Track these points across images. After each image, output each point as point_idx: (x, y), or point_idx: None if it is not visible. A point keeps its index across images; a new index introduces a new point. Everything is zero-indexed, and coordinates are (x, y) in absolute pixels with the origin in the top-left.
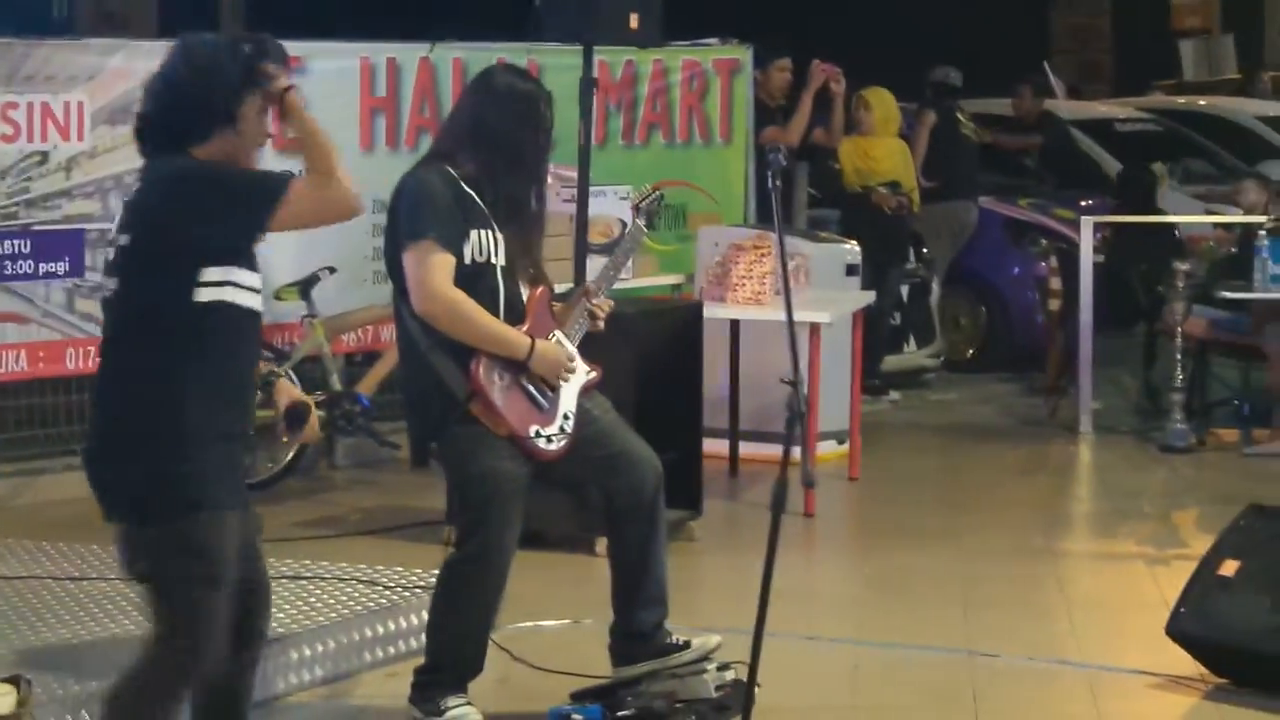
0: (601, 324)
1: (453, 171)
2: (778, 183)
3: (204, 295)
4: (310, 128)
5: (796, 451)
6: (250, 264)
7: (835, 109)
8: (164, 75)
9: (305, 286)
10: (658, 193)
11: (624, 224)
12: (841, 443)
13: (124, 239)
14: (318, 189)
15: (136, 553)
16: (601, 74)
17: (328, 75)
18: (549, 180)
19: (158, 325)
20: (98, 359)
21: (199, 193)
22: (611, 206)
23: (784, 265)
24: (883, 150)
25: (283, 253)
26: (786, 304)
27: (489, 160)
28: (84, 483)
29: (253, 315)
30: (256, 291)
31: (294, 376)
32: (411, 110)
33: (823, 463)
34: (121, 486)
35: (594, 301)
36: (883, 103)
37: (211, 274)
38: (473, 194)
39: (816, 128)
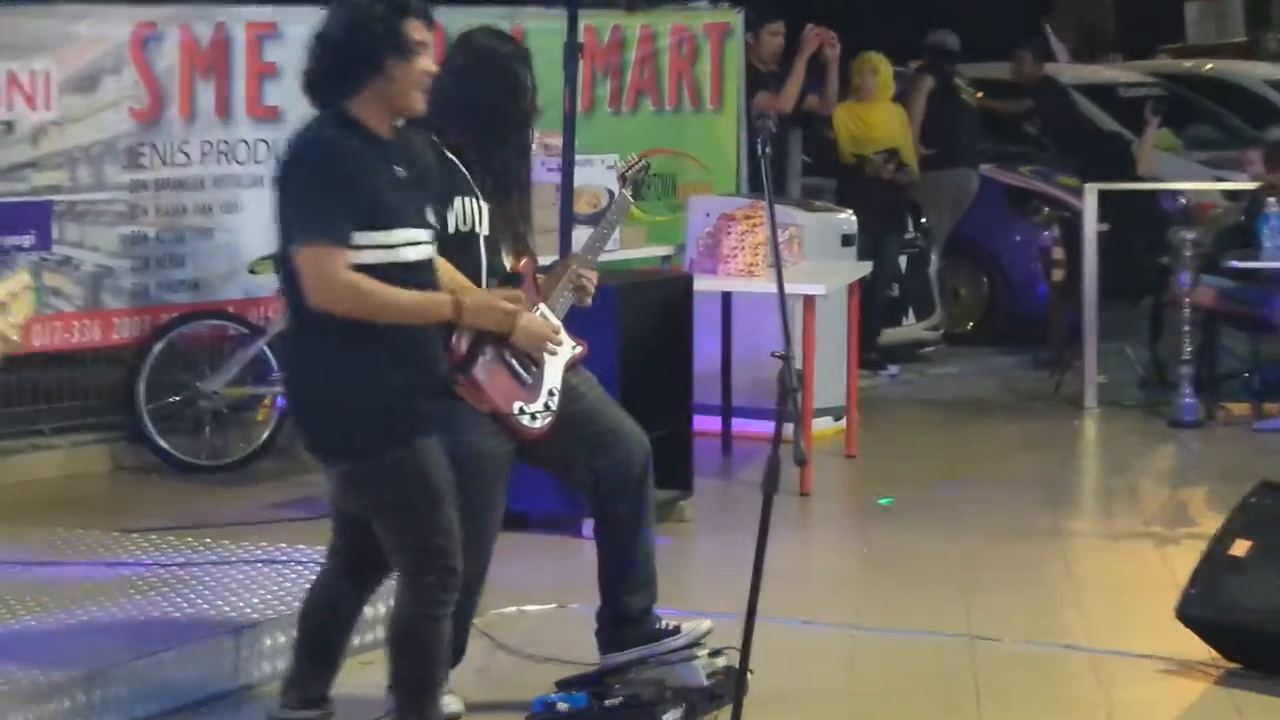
0: (589, 298)
1: (434, 137)
2: (768, 150)
3: None
4: None
5: (790, 428)
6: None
7: (829, 74)
8: (319, 32)
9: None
10: (644, 161)
11: (611, 194)
12: (838, 419)
13: None
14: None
15: None
16: (588, 39)
17: (301, 40)
18: (534, 149)
19: None
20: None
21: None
22: (598, 176)
23: (775, 236)
24: (879, 117)
25: (256, 223)
26: (778, 275)
27: (472, 131)
28: (52, 463)
29: None
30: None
31: (270, 353)
32: None
33: (819, 440)
34: None
35: (580, 273)
36: (881, 68)
37: None
38: (455, 160)
39: (810, 94)
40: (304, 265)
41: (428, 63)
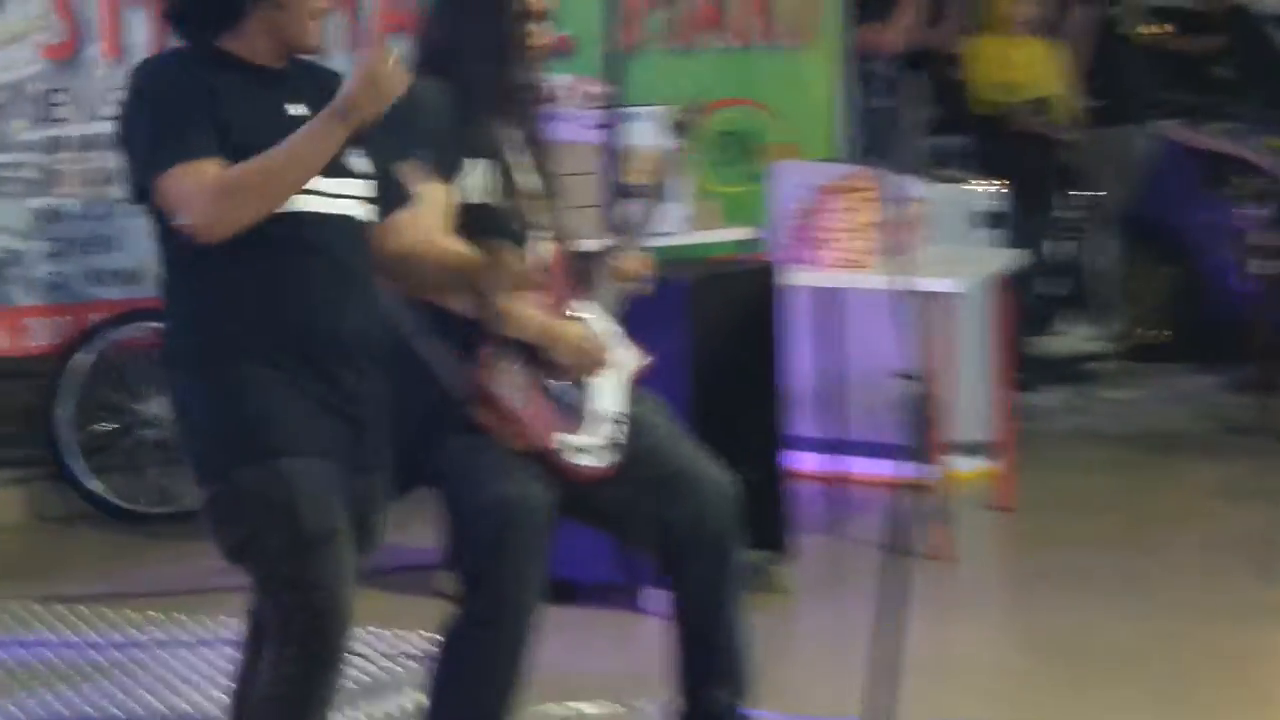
0: (647, 285)
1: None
2: (883, 102)
3: None
4: None
5: (923, 471)
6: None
7: None
8: None
9: None
10: (698, 101)
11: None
12: (984, 459)
13: None
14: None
15: None
16: None
17: None
18: (556, 95)
19: None
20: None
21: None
22: (652, 134)
23: (894, 213)
24: (1026, 55)
25: None
26: (899, 267)
27: (458, 69)
28: None
29: None
30: None
31: None
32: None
33: (961, 486)
34: None
35: (620, 256)
36: None
37: None
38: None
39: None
40: (167, 196)
41: None
